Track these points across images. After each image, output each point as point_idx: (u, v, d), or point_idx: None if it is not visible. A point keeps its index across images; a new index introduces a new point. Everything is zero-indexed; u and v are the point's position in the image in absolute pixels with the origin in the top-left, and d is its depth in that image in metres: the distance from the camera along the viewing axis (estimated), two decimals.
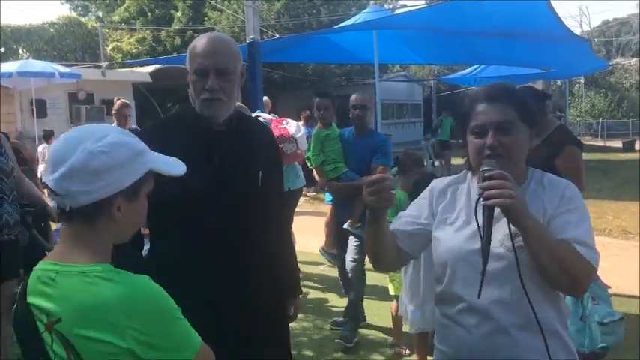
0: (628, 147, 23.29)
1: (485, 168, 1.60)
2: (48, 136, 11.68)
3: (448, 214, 1.80)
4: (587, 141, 27.46)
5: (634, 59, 38.32)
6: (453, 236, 1.74)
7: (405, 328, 4.17)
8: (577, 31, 29.90)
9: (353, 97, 4.65)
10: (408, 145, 21.41)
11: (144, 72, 17.26)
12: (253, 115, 5.53)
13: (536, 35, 12.44)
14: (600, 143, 27.51)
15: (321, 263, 6.87)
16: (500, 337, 1.64)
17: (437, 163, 14.88)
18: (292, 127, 6.96)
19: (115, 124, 6.33)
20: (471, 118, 1.72)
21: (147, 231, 2.32)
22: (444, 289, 1.78)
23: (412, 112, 31.79)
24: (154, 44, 24.53)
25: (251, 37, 8.28)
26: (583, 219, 1.65)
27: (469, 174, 1.85)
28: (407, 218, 1.89)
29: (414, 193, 3.64)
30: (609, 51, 43.23)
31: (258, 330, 2.20)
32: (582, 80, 35.82)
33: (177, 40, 23.81)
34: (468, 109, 1.74)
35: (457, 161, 17.33)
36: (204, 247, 2.10)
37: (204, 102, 2.10)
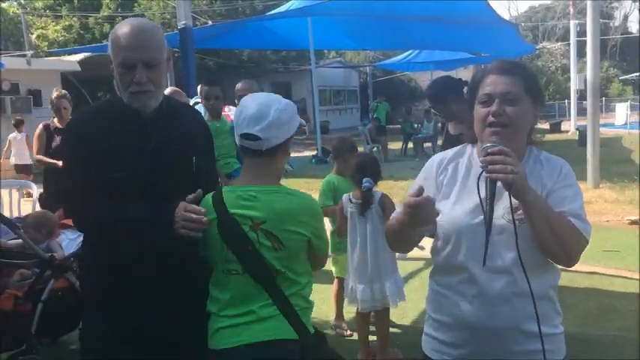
0: (555, 128, 24.26)
1: (489, 144, 1.66)
2: (19, 124, 12.19)
3: (450, 188, 1.85)
4: None
5: (559, 43, 39.89)
6: (455, 209, 1.79)
7: (347, 309, 4.24)
8: (505, 17, 30.80)
9: (238, 85, 4.28)
10: (346, 130, 21.59)
11: (72, 61, 16.66)
12: (192, 102, 5.39)
13: (467, 20, 12.76)
14: None
15: None
16: (500, 305, 1.71)
17: (375, 149, 15.06)
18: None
19: (55, 119, 5.96)
20: (480, 88, 1.78)
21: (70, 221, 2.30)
22: (444, 260, 1.82)
23: (349, 98, 32.06)
24: (81, 32, 23.63)
25: (183, 23, 8.12)
26: (578, 194, 1.75)
27: (469, 147, 1.90)
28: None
29: (357, 176, 3.69)
30: (536, 35, 44.88)
31: (194, 314, 2.20)
32: None
33: (107, 27, 23.00)
34: (478, 80, 1.81)
35: (393, 146, 17.63)
36: (140, 234, 2.08)
37: (133, 95, 2.07)
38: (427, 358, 1.91)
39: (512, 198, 1.62)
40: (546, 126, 25.39)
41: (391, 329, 4.11)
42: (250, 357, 1.96)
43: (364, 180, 3.57)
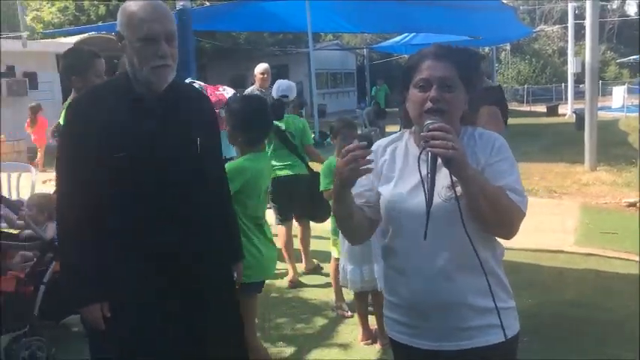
0: (551, 111, 24.25)
1: (430, 121, 1.67)
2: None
3: (389, 172, 1.87)
4: (513, 106, 28.40)
5: (556, 26, 39.71)
6: (394, 192, 1.81)
7: (346, 289, 4.27)
8: None
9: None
10: (343, 114, 21.54)
11: (67, 42, 16.49)
12: (187, 81, 5.49)
13: (466, 3, 12.69)
14: (526, 108, 28.55)
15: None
16: (443, 281, 1.74)
17: (373, 133, 15.04)
18: (229, 93, 6.99)
19: None
20: (416, 72, 1.78)
21: None
22: (388, 242, 1.86)
23: (346, 81, 31.92)
24: (77, 13, 23.38)
25: (181, 4, 8.03)
26: (513, 168, 1.77)
27: (406, 133, 1.92)
28: (363, 188, 1.91)
29: None
30: (533, 18, 44.62)
31: (205, 295, 2.22)
32: (508, 47, 36.92)
33: (102, 9, 22.79)
34: (414, 64, 1.80)
35: (391, 129, 17.61)
36: (146, 214, 2.10)
37: (156, 69, 2.05)
38: (390, 338, 1.95)
39: (452, 174, 1.64)
40: (543, 109, 25.38)
41: None
42: (293, 182, 5.09)
43: None
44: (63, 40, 17.13)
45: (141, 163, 2.07)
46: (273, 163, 4.95)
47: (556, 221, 6.75)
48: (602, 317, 4.19)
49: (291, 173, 5.11)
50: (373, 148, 1.96)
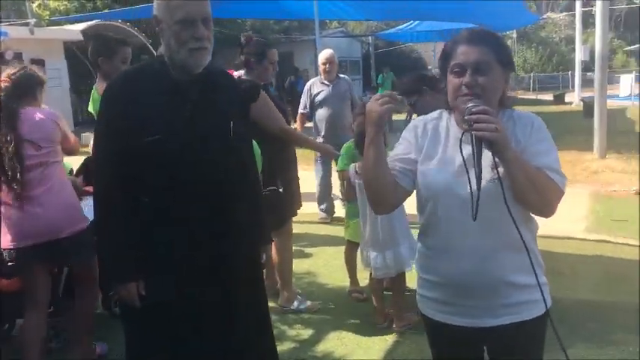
0: (558, 99, 24.15)
1: (472, 104, 1.71)
2: None
3: (431, 149, 1.89)
4: (519, 94, 28.31)
5: (563, 14, 39.42)
6: (438, 171, 1.84)
7: (365, 275, 4.31)
8: None
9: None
10: None
11: (75, 30, 16.48)
12: None
13: None
14: (532, 96, 28.40)
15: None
16: (487, 260, 1.80)
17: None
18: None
19: None
20: (452, 58, 1.82)
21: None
22: (428, 221, 1.90)
23: (351, 69, 31.76)
24: (83, 1, 23.34)
25: None
26: (551, 148, 1.82)
27: (445, 113, 1.94)
28: (398, 156, 1.93)
29: (360, 144, 3.71)
30: (539, 6, 44.25)
31: (234, 276, 2.27)
32: (515, 35, 36.64)
33: None
34: (449, 50, 1.85)
35: (398, 117, 17.56)
36: (180, 197, 2.15)
37: (193, 51, 2.09)
38: (425, 317, 2.01)
39: (494, 156, 1.67)
40: (550, 97, 25.27)
41: (409, 293, 4.19)
42: None
43: None
44: (70, 27, 17.11)
45: (174, 146, 2.11)
46: None
47: (566, 209, 6.73)
48: (617, 303, 4.23)
49: None
50: (414, 123, 2.00)
